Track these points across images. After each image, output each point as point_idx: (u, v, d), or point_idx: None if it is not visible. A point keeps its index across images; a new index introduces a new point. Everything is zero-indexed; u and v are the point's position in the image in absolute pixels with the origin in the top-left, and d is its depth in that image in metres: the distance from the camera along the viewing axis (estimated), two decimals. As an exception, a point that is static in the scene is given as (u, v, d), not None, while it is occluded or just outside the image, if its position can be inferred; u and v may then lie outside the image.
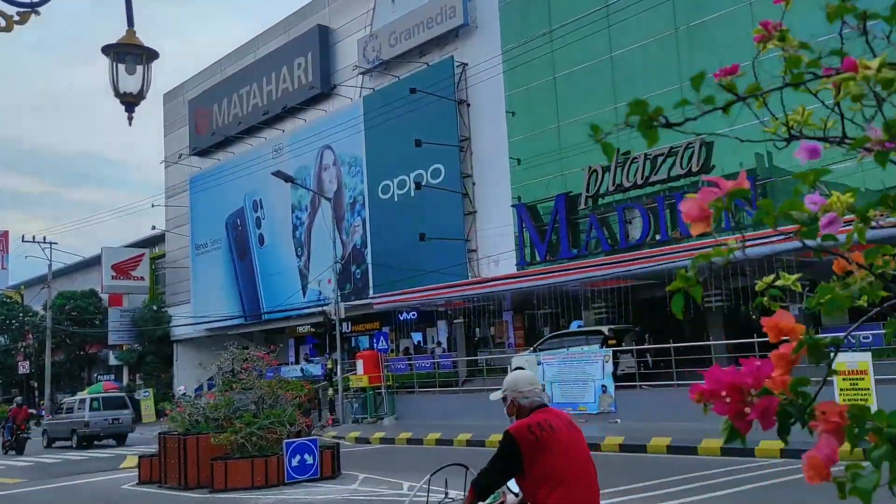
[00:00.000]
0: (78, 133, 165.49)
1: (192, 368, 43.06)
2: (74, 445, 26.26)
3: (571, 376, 18.42)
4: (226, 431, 13.06)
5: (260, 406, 13.87)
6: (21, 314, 53.12)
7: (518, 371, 4.12)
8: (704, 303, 20.05)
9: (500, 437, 3.79)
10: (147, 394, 40.10)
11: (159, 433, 14.40)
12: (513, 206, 24.25)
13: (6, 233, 68.83)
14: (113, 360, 46.83)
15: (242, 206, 36.88)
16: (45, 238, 46.09)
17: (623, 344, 19.15)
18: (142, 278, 45.46)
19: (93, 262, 53.03)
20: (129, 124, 5.31)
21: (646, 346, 19.32)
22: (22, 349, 52.62)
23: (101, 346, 49.48)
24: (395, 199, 28.59)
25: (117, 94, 4.91)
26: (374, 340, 28.96)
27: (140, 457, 14.92)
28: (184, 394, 30.97)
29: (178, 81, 43.58)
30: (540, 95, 23.98)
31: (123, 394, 33.06)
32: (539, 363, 19.28)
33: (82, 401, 27.63)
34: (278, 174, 26.71)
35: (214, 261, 39.16)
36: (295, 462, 12.81)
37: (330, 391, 26.05)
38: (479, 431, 16.78)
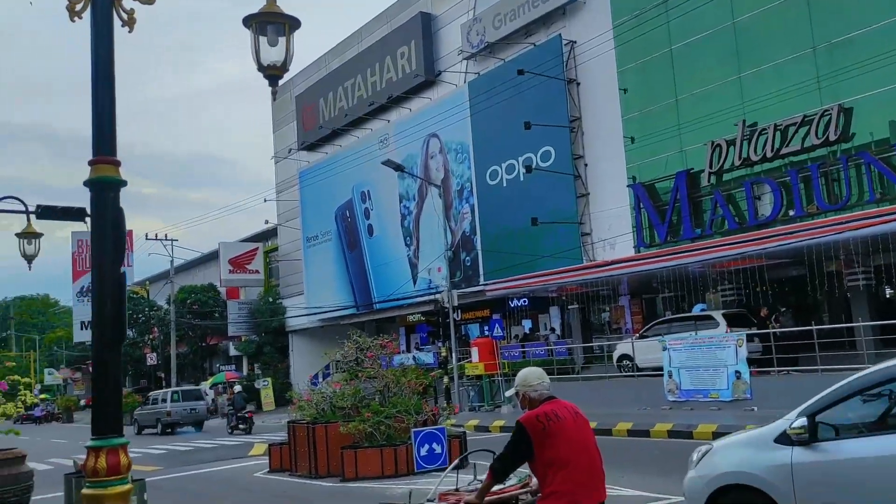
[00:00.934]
0: (190, 136, 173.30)
1: (307, 358, 44.16)
2: (159, 432, 30.08)
3: (701, 362, 17.46)
4: (353, 420, 13.01)
5: (385, 395, 13.76)
6: (147, 308, 55.89)
7: (527, 368, 4.58)
8: (848, 281, 18.64)
9: (625, 424, 4.22)
10: (266, 383, 41.34)
11: (288, 422, 14.54)
12: (629, 186, 23.33)
13: (130, 232, 72.75)
14: (233, 351, 48.57)
15: (351, 198, 37.31)
16: (166, 236, 48.24)
17: (769, 325, 18.15)
18: (257, 271, 46.87)
19: (211, 258, 55.17)
20: (274, 99, 5.08)
21: (775, 329, 18.12)
22: (149, 342, 55.44)
23: (221, 337, 51.48)
24: (504, 185, 28.12)
25: (260, 67, 4.68)
26: (488, 327, 28.67)
27: (269, 445, 15.12)
28: (312, 383, 32.07)
29: (285, 79, 44.42)
30: (655, 70, 22.91)
31: (199, 387, 37.79)
32: (665, 349, 18.40)
33: (165, 394, 32.28)
34: (388, 163, 26.72)
35: (325, 252, 39.85)
36: (423, 451, 12.61)
37: (445, 379, 25.91)
38: (601, 420, 16.14)
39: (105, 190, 4.16)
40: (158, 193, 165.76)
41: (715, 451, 6.01)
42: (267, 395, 40.87)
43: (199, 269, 57.44)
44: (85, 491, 3.97)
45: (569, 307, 26.84)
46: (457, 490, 5.06)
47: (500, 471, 4.37)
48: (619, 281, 23.43)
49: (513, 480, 4.92)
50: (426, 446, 12.66)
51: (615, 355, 22.09)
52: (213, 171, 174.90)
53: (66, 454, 21.50)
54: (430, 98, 32.68)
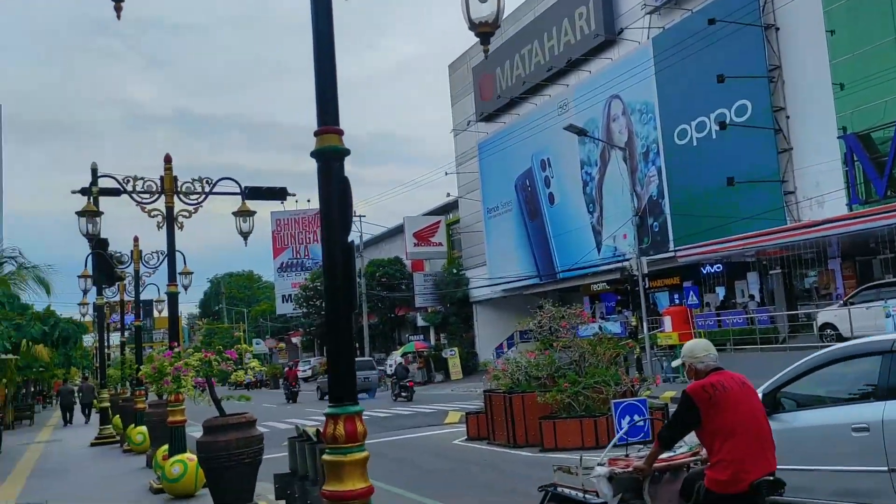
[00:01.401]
0: (371, 116, 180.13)
1: (491, 328, 44.69)
2: None
3: (934, 330, 15.62)
4: (550, 391, 12.84)
5: (581, 365, 13.46)
6: (339, 282, 58.97)
7: (694, 340, 4.76)
8: None
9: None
10: (453, 352, 42.36)
11: (484, 391, 14.66)
12: (839, 137, 21.20)
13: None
14: (420, 322, 50.11)
15: (530, 167, 37.00)
16: (355, 212, 50.49)
17: None
18: (440, 244, 47.95)
19: (396, 232, 57.15)
20: (486, 56, 4.87)
21: None
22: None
23: (408, 308, 53.36)
24: (694, 144, 26.59)
25: (472, 25, 4.48)
26: (679, 295, 27.43)
27: (466, 414, 15.32)
28: (497, 353, 32.67)
29: (461, 51, 44.78)
30: (868, 6, 20.55)
31: (370, 358, 40.58)
32: (888, 315, 16.64)
33: None
34: (570, 128, 26.10)
35: (506, 223, 39.91)
36: (624, 423, 12.19)
37: (637, 350, 25.11)
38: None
39: (331, 159, 4.17)
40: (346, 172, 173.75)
41: None
42: (454, 365, 41.87)
43: (385, 243, 59.70)
44: (326, 457, 4.04)
45: (770, 272, 25.02)
46: (626, 456, 5.18)
47: (667, 439, 4.50)
48: (829, 242, 21.50)
49: (683, 448, 5.03)
50: (627, 418, 12.23)
51: (817, 324, 20.35)
52: (394, 149, 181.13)
53: (277, 418, 23.16)
54: (610, 58, 31.51)
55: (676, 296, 29.16)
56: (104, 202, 12.17)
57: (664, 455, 4.78)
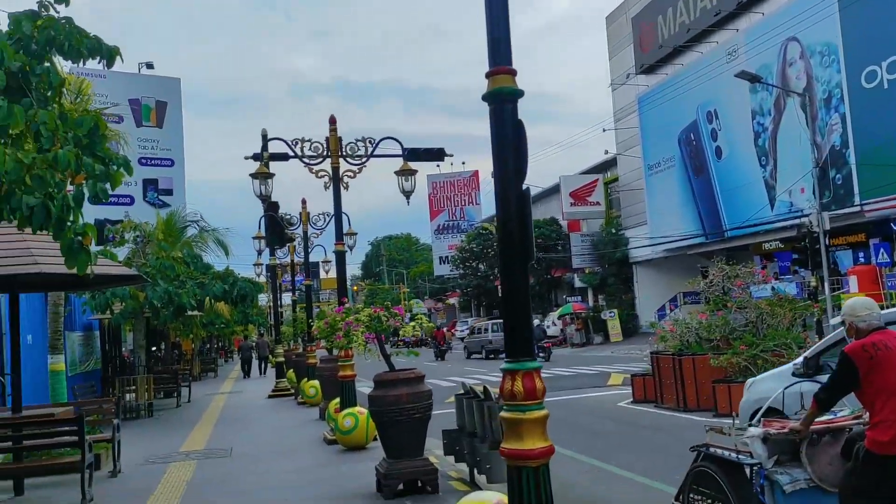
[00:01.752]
0: (522, 76, 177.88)
1: (652, 289, 43.26)
2: (483, 357, 35.69)
3: None
4: (725, 353, 12.10)
5: (759, 327, 12.57)
6: (496, 243, 59.16)
7: (855, 298, 4.59)
8: None
9: None
10: (612, 314, 41.43)
11: (651, 353, 14.09)
12: None
13: (476, 172, 77.62)
14: (578, 283, 49.37)
15: (695, 120, 35.02)
16: (509, 173, 50.25)
17: None
18: (597, 203, 46.78)
19: (551, 192, 56.40)
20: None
21: None
22: (498, 275, 58.84)
23: (564, 269, 52.73)
24: (885, 87, 24.00)
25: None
26: (868, 254, 25.11)
27: (632, 376, 14.82)
28: (659, 315, 31.67)
29: (618, 1, 42.92)
30: None
31: (538, 319, 40.98)
32: None
33: (488, 325, 37.40)
34: (742, 75, 24.30)
35: (668, 180, 38.18)
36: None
37: (818, 312, 23.31)
38: None
39: (504, 101, 3.92)
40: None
41: (756, 382, 8.42)
42: (614, 327, 40.98)
43: (539, 203, 59.08)
44: (504, 414, 3.86)
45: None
46: (783, 416, 5.17)
47: (824, 400, 4.38)
48: None
49: (845, 411, 4.92)
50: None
51: None
52: (546, 109, 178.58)
53: (434, 375, 23.60)
54: (786, -3, 28.99)
55: (861, 254, 26.72)
56: (273, 167, 12.66)
57: (824, 417, 4.69)
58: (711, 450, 5.00)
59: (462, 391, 8.26)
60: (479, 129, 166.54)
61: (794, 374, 7.05)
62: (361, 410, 10.10)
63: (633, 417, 12.70)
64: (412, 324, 7.35)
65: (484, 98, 3.99)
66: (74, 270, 6.40)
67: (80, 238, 6.33)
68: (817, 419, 4.58)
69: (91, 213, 27.72)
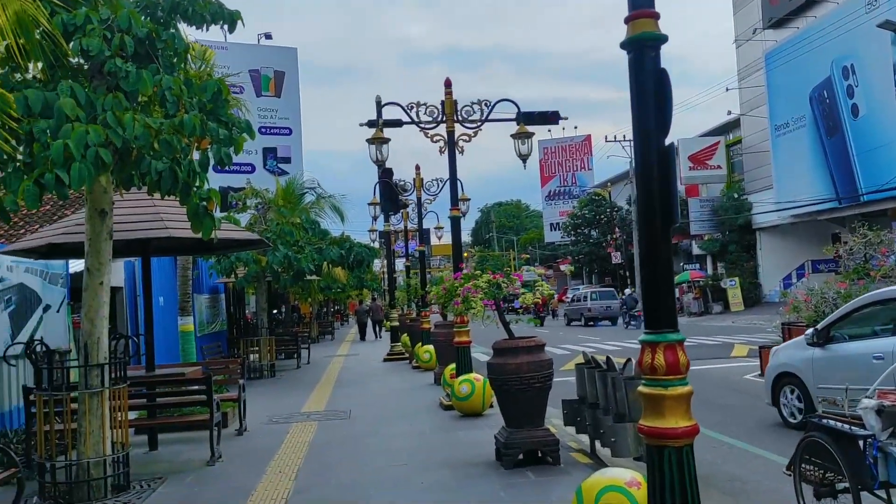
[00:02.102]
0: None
1: (777, 257, 41.13)
2: (582, 324, 37.00)
3: None
4: (867, 325, 11.20)
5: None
6: (608, 209, 57.87)
7: None
8: None
9: None
10: (733, 283, 39.72)
11: (782, 324, 13.27)
12: None
13: (588, 137, 75.83)
14: (696, 250, 47.58)
15: (829, 76, 32.66)
16: (624, 136, 48.86)
17: None
18: (718, 167, 44.72)
19: (667, 156, 54.40)
20: None
21: None
22: (612, 241, 57.60)
23: (681, 236, 50.88)
24: None
25: None
26: None
27: (760, 348, 14.02)
28: (784, 284, 30.08)
29: (744, -49, 40.36)
30: None
31: (611, 288, 42.63)
32: None
33: (586, 293, 39.38)
34: (885, 25, 22.36)
35: (797, 141, 35.95)
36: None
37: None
38: None
39: (645, 47, 3.56)
40: (607, 98, 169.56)
41: (778, 350, 9.69)
42: (735, 296, 39.31)
43: (655, 168, 57.14)
44: (643, 389, 3.58)
45: None
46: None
47: None
48: None
49: None
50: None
51: None
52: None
53: (550, 343, 23.28)
54: (938, -63, 26.35)
55: None
56: (387, 133, 12.62)
57: None
58: (824, 420, 4.96)
59: (582, 360, 7.99)
60: (592, 92, 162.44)
61: (808, 344, 8.57)
62: (478, 377, 9.99)
63: (761, 391, 12.02)
64: (534, 289, 7.09)
65: (622, 46, 3.65)
66: (200, 235, 6.54)
67: (204, 203, 6.45)
68: None
69: (215, 180, 28.70)
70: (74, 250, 9.17)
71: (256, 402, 12.44)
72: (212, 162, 6.16)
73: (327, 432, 9.45)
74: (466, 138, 11.07)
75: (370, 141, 11.19)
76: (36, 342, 6.86)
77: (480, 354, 20.36)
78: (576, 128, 74.36)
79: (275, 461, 7.77)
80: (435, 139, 11.03)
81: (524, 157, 11.06)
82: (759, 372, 13.72)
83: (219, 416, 8.03)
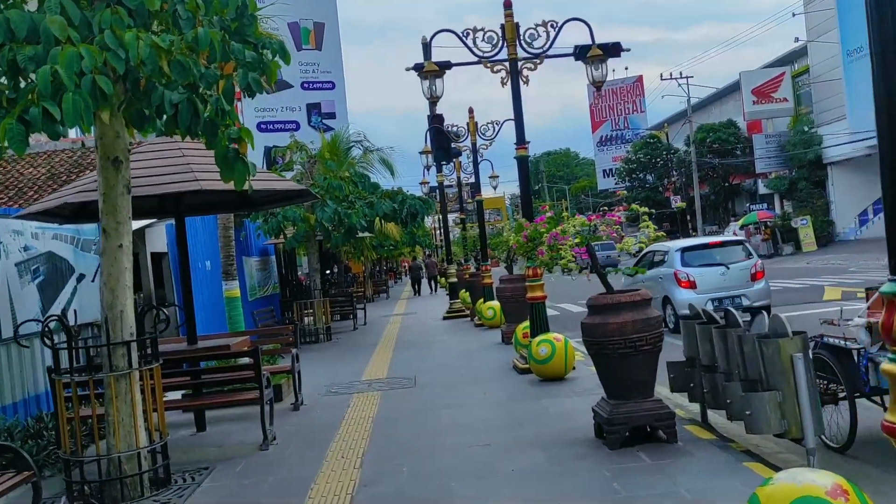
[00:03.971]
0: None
1: (850, 192, 38.75)
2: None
3: None
4: None
5: None
6: (665, 152, 55.52)
7: None
8: None
9: None
10: (805, 222, 37.58)
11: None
12: None
13: (640, 78, 72.90)
14: (762, 189, 45.27)
15: (911, -9, 29.97)
16: (681, 73, 46.44)
17: None
18: (784, 100, 42.12)
19: (726, 93, 51.71)
20: None
21: None
22: (669, 185, 55.36)
23: (744, 176, 48.54)
24: None
25: None
26: None
27: (867, 290, 12.51)
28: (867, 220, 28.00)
29: None
30: None
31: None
32: None
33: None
34: None
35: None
36: None
37: None
38: None
39: None
40: (655, 40, 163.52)
41: None
42: (807, 235, 37.20)
43: (713, 106, 54.53)
44: (887, 367, 2.35)
45: None
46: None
47: None
48: None
49: None
50: None
51: None
52: (709, 7, 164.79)
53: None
54: None
55: None
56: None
57: None
58: (825, 339, 5.73)
59: (689, 313, 6.76)
60: (641, 35, 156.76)
61: None
62: (558, 337, 8.83)
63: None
64: (631, 239, 5.84)
65: None
66: (232, 185, 5.47)
67: (235, 146, 5.35)
68: None
69: (259, 140, 27.58)
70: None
71: (313, 370, 11.53)
72: (237, 88, 5.03)
73: (392, 404, 8.44)
74: (531, 66, 9.73)
75: (422, 75, 9.94)
76: (52, 318, 5.90)
77: (550, 311, 19.15)
78: (626, 69, 71.51)
79: (336, 443, 6.77)
80: (496, 70, 9.72)
81: (599, 84, 9.71)
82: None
83: (270, 393, 7.06)
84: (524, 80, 9.76)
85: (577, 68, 10.22)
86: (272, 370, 8.80)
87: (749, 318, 6.00)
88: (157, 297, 13.26)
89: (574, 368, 8.91)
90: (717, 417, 6.59)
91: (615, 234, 5.88)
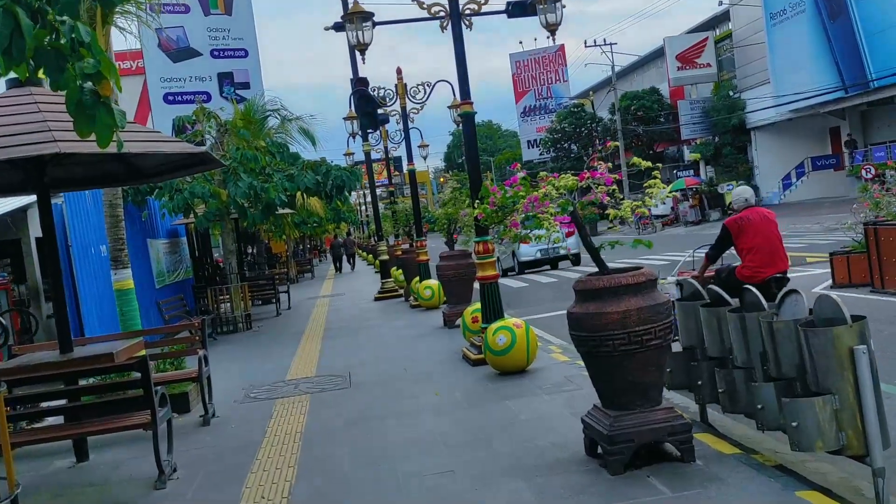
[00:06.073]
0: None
1: (773, 156, 39.02)
2: None
3: None
4: None
5: None
6: (589, 121, 55.03)
7: (735, 188, 7.77)
8: None
9: None
10: (731, 187, 37.52)
11: (864, 224, 10.91)
12: None
13: (562, 47, 72.13)
14: (687, 156, 45.27)
15: (832, -49, 29.87)
16: (605, 41, 45.79)
17: None
18: (707, 65, 42.03)
19: (647, 60, 51.48)
20: None
21: None
22: (594, 154, 55.01)
23: (668, 143, 48.49)
24: None
25: None
26: None
27: (831, 255, 11.75)
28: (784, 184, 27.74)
29: None
30: None
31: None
32: None
33: None
34: None
35: (796, 27, 33.36)
36: None
37: None
38: None
39: None
40: (570, 13, 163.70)
41: None
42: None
43: (635, 74, 54.35)
44: None
45: None
46: (693, 270, 7.62)
47: (712, 256, 7.01)
48: None
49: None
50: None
51: None
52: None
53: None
54: None
55: None
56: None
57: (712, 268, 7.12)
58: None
59: (678, 291, 5.58)
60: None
61: None
62: (517, 323, 7.55)
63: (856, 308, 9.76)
64: (634, 203, 4.55)
65: None
66: (94, 142, 3.92)
67: (92, 85, 3.80)
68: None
69: (165, 112, 25.22)
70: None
71: (228, 368, 9.99)
72: None
73: (324, 411, 7.00)
74: (475, 6, 8.33)
75: (348, 18, 8.42)
76: None
77: (515, 283, 18.02)
78: (548, 38, 70.62)
79: (254, 474, 5.32)
80: (434, 10, 8.27)
81: (553, 28, 8.39)
82: (831, 283, 11.53)
83: (167, 413, 5.54)
84: (467, 23, 8.36)
85: (498, 41, 8.98)
86: (175, 377, 7.24)
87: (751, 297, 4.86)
88: (44, 289, 11.40)
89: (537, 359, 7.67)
90: (716, 414, 5.45)
91: (607, 198, 4.58)
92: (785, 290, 4.57)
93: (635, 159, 4.78)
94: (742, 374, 4.73)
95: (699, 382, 5.14)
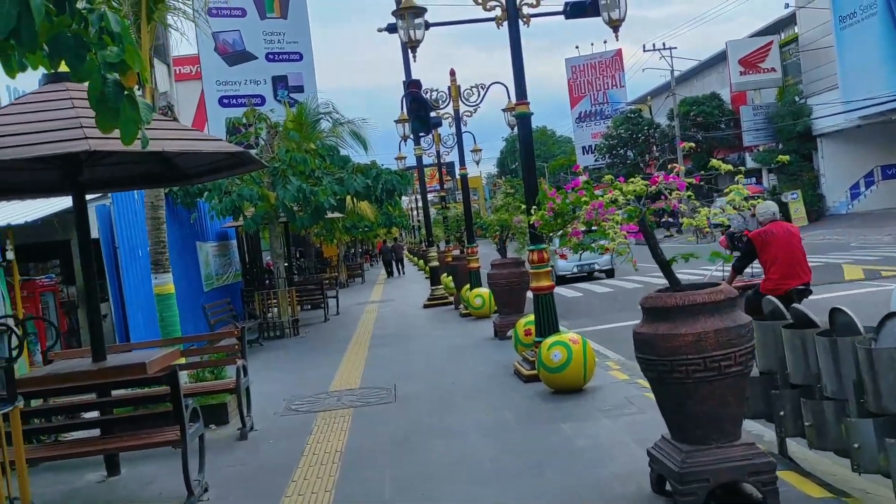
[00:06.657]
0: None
1: (840, 164, 37.47)
2: None
3: None
4: None
5: None
6: (646, 128, 53.89)
7: (761, 203, 7.15)
8: None
9: None
10: (795, 196, 36.21)
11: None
12: None
13: (619, 51, 71.03)
14: (750, 163, 43.85)
15: (910, -50, 28.47)
16: (664, 45, 44.77)
17: None
18: (772, 69, 40.59)
19: (708, 65, 50.12)
20: None
21: None
22: (651, 161, 53.78)
23: (729, 150, 47.09)
24: None
25: None
26: None
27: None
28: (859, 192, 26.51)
29: None
30: None
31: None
32: None
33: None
34: None
35: (867, 32, 31.91)
36: None
37: None
38: None
39: None
40: (628, 18, 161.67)
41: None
42: (797, 210, 35.81)
43: (695, 80, 52.98)
44: None
45: None
46: (723, 279, 7.01)
47: (738, 268, 7.26)
48: None
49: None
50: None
51: None
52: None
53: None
54: None
55: None
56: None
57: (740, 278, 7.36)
58: None
59: (766, 311, 5.02)
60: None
61: None
62: (574, 338, 7.06)
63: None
64: (705, 211, 4.04)
65: None
66: (118, 137, 3.62)
67: (115, 77, 3.49)
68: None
69: (220, 114, 25.13)
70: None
71: (271, 376, 9.72)
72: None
73: (367, 428, 6.62)
74: (533, 2, 7.88)
75: (398, 14, 8.06)
76: None
77: (570, 292, 17.51)
78: (605, 42, 69.60)
79: (289, 498, 4.95)
80: (489, 7, 7.85)
81: (616, 24, 7.89)
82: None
83: (199, 428, 5.22)
84: (524, 20, 7.91)
85: (552, 47, 8.49)
86: (213, 388, 6.95)
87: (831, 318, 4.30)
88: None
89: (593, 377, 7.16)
90: (796, 445, 4.88)
91: (681, 205, 4.09)
92: (887, 313, 4.01)
93: (714, 161, 4.27)
94: (832, 405, 4.18)
95: (781, 413, 4.59)
